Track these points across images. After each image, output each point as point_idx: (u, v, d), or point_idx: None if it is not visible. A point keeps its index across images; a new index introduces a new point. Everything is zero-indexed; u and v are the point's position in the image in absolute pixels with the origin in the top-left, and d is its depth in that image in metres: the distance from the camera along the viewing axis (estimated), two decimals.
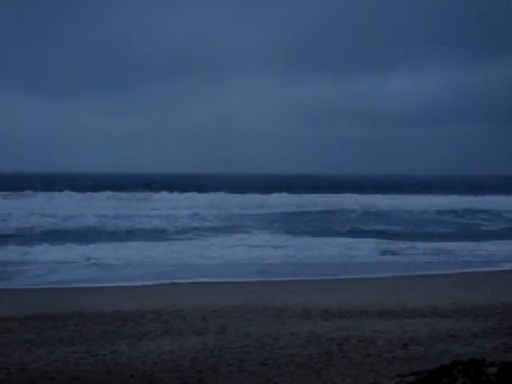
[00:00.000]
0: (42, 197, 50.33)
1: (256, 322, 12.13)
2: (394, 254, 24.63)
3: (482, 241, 28.24)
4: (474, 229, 35.43)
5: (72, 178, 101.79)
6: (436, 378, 7.07)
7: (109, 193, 54.89)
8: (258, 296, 15.31)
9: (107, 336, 11.12)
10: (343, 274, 19.91)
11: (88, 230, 31.77)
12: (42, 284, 17.86)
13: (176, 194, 54.94)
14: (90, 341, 10.77)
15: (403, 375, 7.89)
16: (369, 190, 66.87)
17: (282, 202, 51.49)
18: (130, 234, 30.51)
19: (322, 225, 36.11)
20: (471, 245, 26.83)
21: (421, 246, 26.42)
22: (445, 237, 30.73)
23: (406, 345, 10.18)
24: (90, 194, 53.48)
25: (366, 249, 25.36)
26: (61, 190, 54.78)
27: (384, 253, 24.70)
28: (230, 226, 34.32)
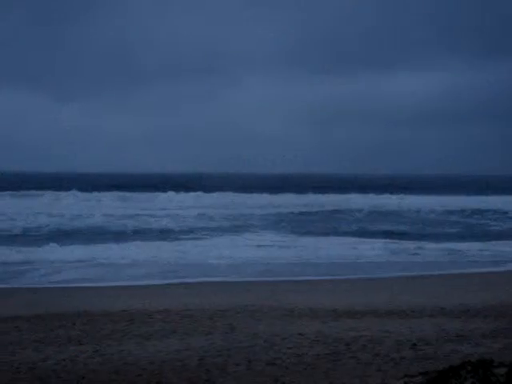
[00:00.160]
0: (48, 196, 50.52)
1: (264, 322, 12.11)
2: (401, 253, 24.56)
3: (491, 241, 28.14)
4: (482, 229, 35.31)
5: (78, 177, 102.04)
6: (445, 379, 7.03)
7: (115, 193, 55.06)
8: (266, 296, 15.30)
9: (115, 335, 11.13)
10: (351, 273, 19.87)
11: (95, 230, 31.82)
12: (50, 283, 17.91)
13: (183, 194, 55.05)
14: (97, 340, 10.78)
15: (411, 375, 7.85)
16: (376, 190, 66.71)
17: (289, 201, 51.47)
18: (137, 234, 30.54)
19: (330, 225, 36.05)
20: (479, 245, 26.74)
21: (429, 245, 26.35)
22: (453, 237, 30.65)
23: (414, 345, 10.14)
24: (96, 193, 53.66)
25: (373, 249, 25.30)
26: (67, 190, 54.98)
27: (392, 253, 24.64)
28: (238, 226, 34.31)
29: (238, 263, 22.09)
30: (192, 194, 55.80)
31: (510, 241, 28.35)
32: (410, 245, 26.52)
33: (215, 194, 55.40)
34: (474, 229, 35.24)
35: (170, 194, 54.77)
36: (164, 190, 59.44)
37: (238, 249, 25.07)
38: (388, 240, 28.23)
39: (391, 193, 62.98)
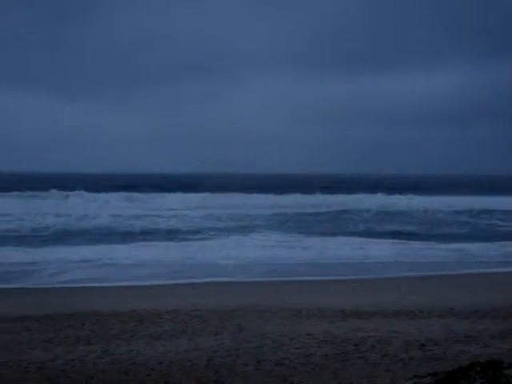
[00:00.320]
0: (55, 197, 50.66)
1: (272, 322, 12.11)
2: (410, 254, 24.49)
3: (499, 241, 28.04)
4: (490, 229, 35.18)
5: (84, 178, 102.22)
6: (454, 379, 7.02)
7: (122, 193, 55.18)
8: (274, 296, 15.30)
9: (124, 335, 11.16)
10: (359, 274, 19.84)
11: (102, 230, 31.89)
12: (59, 283, 17.95)
13: (190, 195, 55.13)
14: (106, 340, 10.81)
15: (420, 376, 7.85)
16: (384, 190, 66.56)
17: (295, 202, 51.45)
18: (144, 234, 30.60)
19: (337, 225, 36.02)
20: (488, 245, 26.65)
21: (437, 246, 26.29)
22: (461, 237, 30.55)
23: (422, 345, 10.12)
24: (103, 194, 53.77)
25: (381, 249, 25.24)
26: (74, 190, 55.12)
27: (400, 253, 24.58)
28: (245, 227, 34.31)
29: (245, 263, 22.09)
30: (199, 194, 55.92)
31: None
32: (419, 245, 26.48)
33: (222, 195, 55.45)
34: (482, 229, 35.12)
35: (178, 194, 54.91)
36: (170, 190, 59.59)
37: (245, 249, 25.06)
38: (396, 240, 28.19)
39: (400, 193, 62.87)
